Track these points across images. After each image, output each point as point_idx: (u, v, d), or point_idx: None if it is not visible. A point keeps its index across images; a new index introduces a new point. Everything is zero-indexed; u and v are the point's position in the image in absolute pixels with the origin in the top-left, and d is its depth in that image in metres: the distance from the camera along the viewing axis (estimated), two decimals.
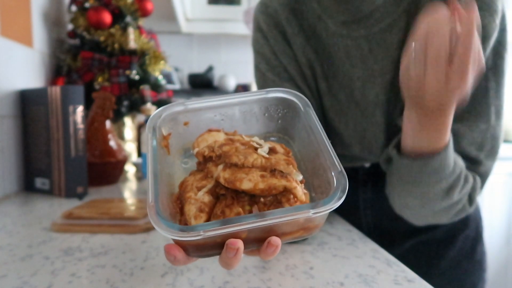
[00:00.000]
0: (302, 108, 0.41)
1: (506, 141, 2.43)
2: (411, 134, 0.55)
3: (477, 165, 0.62)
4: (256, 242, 0.34)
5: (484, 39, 0.57)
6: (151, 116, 0.40)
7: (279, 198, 0.35)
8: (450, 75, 0.45)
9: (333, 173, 0.35)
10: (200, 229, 0.31)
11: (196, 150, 0.39)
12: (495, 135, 0.61)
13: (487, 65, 0.58)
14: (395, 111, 0.65)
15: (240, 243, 0.32)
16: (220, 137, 0.40)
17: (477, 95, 0.59)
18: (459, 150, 0.61)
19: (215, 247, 0.33)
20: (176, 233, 0.31)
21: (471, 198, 0.62)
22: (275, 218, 0.31)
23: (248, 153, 0.37)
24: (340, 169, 0.35)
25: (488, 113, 0.60)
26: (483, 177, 0.63)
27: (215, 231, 0.31)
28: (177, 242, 0.33)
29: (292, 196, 0.35)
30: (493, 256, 2.11)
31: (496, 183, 2.14)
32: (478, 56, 0.45)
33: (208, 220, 0.35)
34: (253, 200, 0.35)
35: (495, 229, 2.13)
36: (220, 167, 0.36)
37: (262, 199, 0.35)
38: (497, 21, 0.57)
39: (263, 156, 0.36)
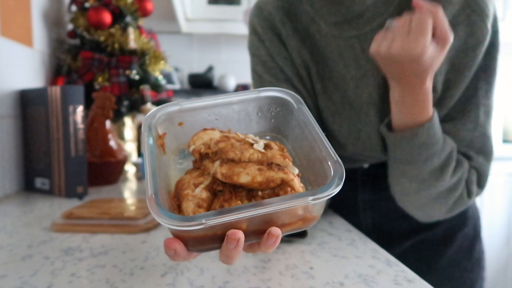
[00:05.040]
0: (295, 105, 0.42)
1: (506, 141, 2.43)
2: (396, 110, 0.59)
3: (469, 160, 0.62)
4: (256, 235, 0.34)
5: (478, 44, 0.58)
6: (146, 116, 0.41)
7: (276, 191, 0.35)
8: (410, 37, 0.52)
9: (329, 163, 0.35)
10: (201, 219, 0.31)
11: (192, 147, 0.39)
12: (485, 133, 0.62)
13: (479, 65, 0.60)
14: (388, 110, 0.66)
15: (240, 234, 0.32)
16: (216, 135, 0.40)
17: (466, 95, 0.61)
18: None
19: (215, 240, 0.33)
20: (177, 223, 0.31)
21: (469, 190, 0.63)
22: (275, 205, 0.31)
23: (244, 148, 0.37)
24: (336, 159, 0.35)
25: (477, 112, 0.61)
26: (479, 174, 0.63)
27: (216, 219, 0.31)
28: (178, 235, 0.33)
29: (289, 189, 0.35)
30: (493, 256, 2.11)
31: (496, 183, 2.14)
32: (441, 27, 0.51)
33: None
34: (251, 194, 0.35)
35: (495, 229, 2.13)
36: (217, 163, 0.36)
37: (260, 193, 0.35)
38: (489, 25, 0.58)
39: (259, 151, 0.37)
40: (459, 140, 0.61)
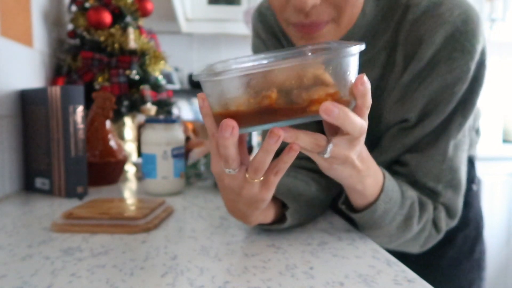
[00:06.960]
0: None
1: (506, 141, 2.43)
2: (350, 196, 0.56)
3: (437, 196, 0.62)
4: (288, 99, 0.38)
5: (457, 81, 0.57)
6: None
7: (310, 91, 0.39)
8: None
9: None
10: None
11: None
12: (452, 167, 0.61)
13: (459, 99, 0.58)
14: (380, 113, 0.65)
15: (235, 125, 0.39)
16: None
17: (439, 127, 0.59)
18: (415, 181, 0.61)
19: (256, 115, 0.38)
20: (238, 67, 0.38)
21: (437, 226, 0.62)
22: (311, 56, 0.38)
23: None
24: None
25: (446, 145, 0.60)
26: (449, 209, 0.63)
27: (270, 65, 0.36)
28: (226, 114, 0.39)
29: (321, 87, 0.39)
30: (493, 256, 2.11)
31: (496, 183, 2.14)
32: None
33: None
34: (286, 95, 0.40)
35: (495, 229, 2.13)
36: None
37: (295, 91, 0.38)
38: (471, 63, 0.56)
39: None
40: (425, 173, 0.61)
